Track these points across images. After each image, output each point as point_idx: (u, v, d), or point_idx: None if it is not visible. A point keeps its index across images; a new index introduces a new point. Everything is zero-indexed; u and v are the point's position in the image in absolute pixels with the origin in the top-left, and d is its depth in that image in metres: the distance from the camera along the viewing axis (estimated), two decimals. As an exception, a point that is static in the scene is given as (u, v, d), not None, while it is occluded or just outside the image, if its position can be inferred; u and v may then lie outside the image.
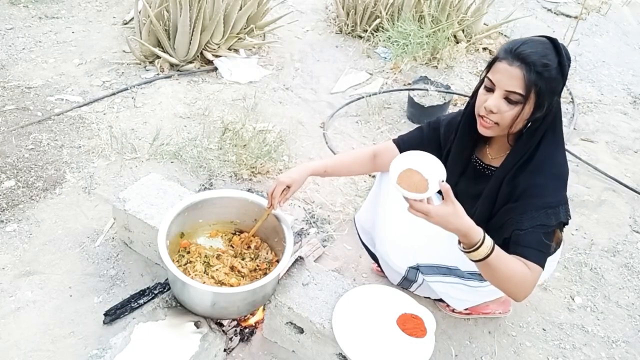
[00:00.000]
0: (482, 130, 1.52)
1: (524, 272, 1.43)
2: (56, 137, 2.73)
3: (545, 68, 1.38)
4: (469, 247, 1.39)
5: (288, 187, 1.74)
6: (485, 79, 1.47)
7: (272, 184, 1.77)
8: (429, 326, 1.65)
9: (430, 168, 1.41)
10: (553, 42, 1.42)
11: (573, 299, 2.21)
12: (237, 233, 1.98)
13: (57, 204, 2.34)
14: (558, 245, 1.74)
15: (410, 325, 1.64)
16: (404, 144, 1.79)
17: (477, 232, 1.38)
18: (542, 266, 1.46)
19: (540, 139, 1.49)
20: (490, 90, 1.46)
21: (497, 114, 1.44)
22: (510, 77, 1.40)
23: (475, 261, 1.42)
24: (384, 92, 3.47)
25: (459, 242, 1.42)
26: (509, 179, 1.53)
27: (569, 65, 1.43)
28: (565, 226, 1.58)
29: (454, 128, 1.68)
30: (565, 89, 3.72)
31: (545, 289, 2.22)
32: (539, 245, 1.46)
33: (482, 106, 1.47)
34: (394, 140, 1.82)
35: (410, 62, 3.75)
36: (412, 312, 1.68)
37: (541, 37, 1.45)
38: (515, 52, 1.39)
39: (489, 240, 1.39)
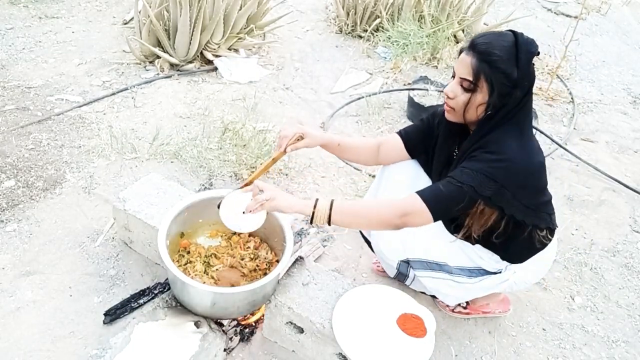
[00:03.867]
0: (445, 114, 1.62)
1: (385, 205, 1.57)
2: (56, 137, 2.73)
3: (496, 58, 1.45)
4: (312, 216, 1.54)
5: (301, 137, 1.73)
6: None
7: (286, 128, 1.75)
8: (429, 326, 1.65)
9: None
10: (515, 35, 1.49)
11: (573, 299, 2.21)
12: (237, 233, 1.98)
13: (57, 204, 2.34)
14: (543, 245, 1.72)
15: (410, 325, 1.64)
16: (406, 135, 1.84)
17: (308, 202, 1.56)
18: (427, 204, 1.49)
19: (496, 126, 1.52)
20: (453, 77, 1.56)
21: (454, 99, 1.54)
22: (463, 65, 1.50)
23: (329, 224, 1.55)
24: (384, 92, 3.47)
25: (311, 222, 1.56)
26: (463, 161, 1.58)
27: (527, 59, 1.47)
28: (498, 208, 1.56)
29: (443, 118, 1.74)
30: (565, 88, 3.76)
31: (545, 289, 2.22)
32: (434, 189, 1.53)
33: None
34: (399, 132, 1.86)
35: (410, 62, 3.75)
36: (412, 312, 1.68)
37: (507, 31, 1.51)
38: (471, 43, 1.50)
39: (322, 201, 1.55)
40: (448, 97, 1.55)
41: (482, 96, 1.50)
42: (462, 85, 1.52)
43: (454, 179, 1.50)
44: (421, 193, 1.52)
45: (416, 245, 1.78)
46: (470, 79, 1.49)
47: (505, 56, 1.45)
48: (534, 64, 1.52)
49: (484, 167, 1.49)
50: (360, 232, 2.05)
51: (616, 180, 2.92)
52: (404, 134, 1.83)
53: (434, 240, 1.77)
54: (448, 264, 1.76)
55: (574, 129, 3.39)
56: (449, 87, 1.55)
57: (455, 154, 1.70)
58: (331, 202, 1.56)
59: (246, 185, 1.82)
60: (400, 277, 1.90)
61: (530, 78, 1.51)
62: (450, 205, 1.51)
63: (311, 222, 1.55)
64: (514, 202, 1.53)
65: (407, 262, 1.82)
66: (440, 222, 1.75)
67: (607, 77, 4.09)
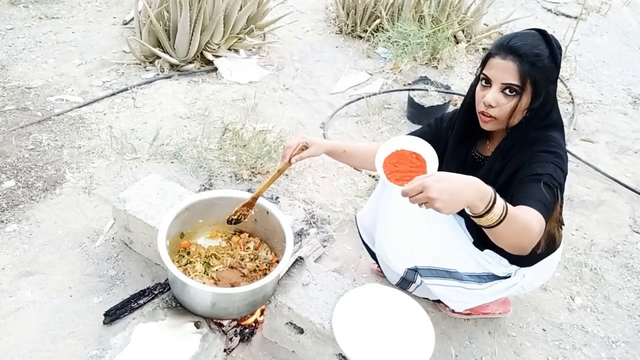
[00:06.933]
0: (483, 125, 1.56)
1: (531, 223, 1.28)
2: (56, 138, 2.73)
3: (537, 58, 1.43)
4: (483, 210, 1.20)
5: (305, 146, 1.73)
6: (482, 76, 1.52)
7: (290, 140, 1.74)
8: (431, 168, 1.43)
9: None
10: (542, 33, 1.47)
11: (573, 299, 2.21)
12: (237, 233, 1.98)
13: (57, 204, 2.34)
14: (557, 245, 1.74)
15: (403, 169, 1.44)
16: None
17: (486, 187, 1.21)
18: (546, 220, 1.33)
19: (537, 123, 1.51)
20: (487, 86, 1.50)
21: (496, 107, 1.49)
22: (505, 70, 1.45)
23: (492, 226, 1.23)
24: (384, 92, 3.47)
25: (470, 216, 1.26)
26: (500, 160, 1.55)
27: (560, 54, 1.47)
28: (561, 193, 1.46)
29: (453, 123, 1.72)
30: (565, 89, 3.76)
31: (545, 289, 2.22)
32: (542, 198, 1.36)
33: (481, 102, 1.51)
34: None
35: (410, 63, 3.75)
36: (412, 150, 1.49)
37: (530, 29, 1.50)
38: (507, 46, 1.45)
39: (499, 199, 1.22)
40: (490, 107, 1.48)
41: (526, 99, 1.46)
42: (504, 92, 1.47)
43: (547, 174, 1.39)
44: (542, 213, 1.32)
45: (426, 253, 1.76)
46: (517, 83, 1.43)
47: (545, 54, 1.44)
48: None
49: (553, 159, 1.44)
50: (360, 236, 2.03)
51: (616, 181, 2.92)
52: None
53: (445, 247, 1.76)
54: (458, 271, 1.75)
55: (574, 129, 3.39)
56: (490, 96, 1.47)
57: (476, 156, 1.69)
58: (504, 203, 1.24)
59: (253, 199, 1.82)
60: (404, 284, 1.88)
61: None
62: (553, 210, 1.40)
63: (481, 216, 1.22)
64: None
65: (414, 270, 1.80)
66: (454, 228, 1.76)
67: (607, 77, 4.09)
